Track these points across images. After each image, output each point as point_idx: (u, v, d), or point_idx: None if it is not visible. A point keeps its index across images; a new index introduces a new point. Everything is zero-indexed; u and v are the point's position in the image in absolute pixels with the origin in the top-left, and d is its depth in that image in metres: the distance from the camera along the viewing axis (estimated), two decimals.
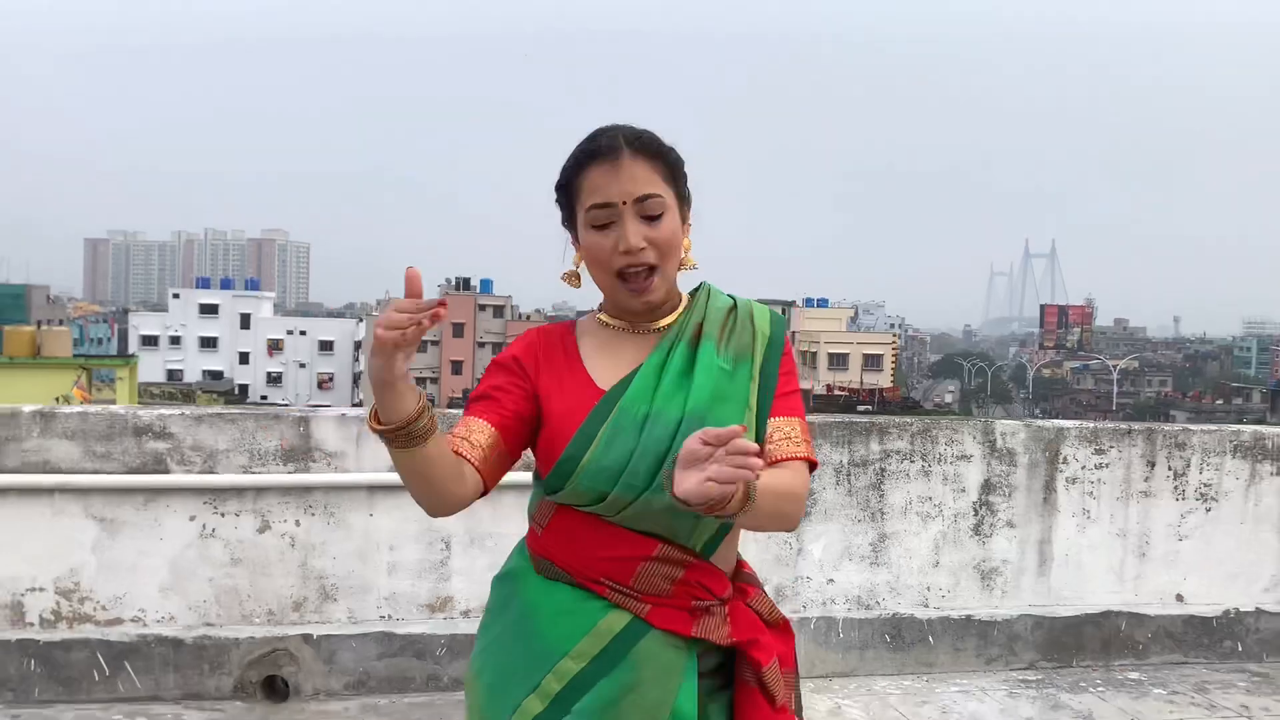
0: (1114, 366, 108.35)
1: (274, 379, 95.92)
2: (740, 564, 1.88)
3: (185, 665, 4.23)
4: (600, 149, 1.71)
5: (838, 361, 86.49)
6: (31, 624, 4.18)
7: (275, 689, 4.28)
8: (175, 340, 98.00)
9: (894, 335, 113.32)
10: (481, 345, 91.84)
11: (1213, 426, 5.30)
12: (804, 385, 2.12)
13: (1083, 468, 5.01)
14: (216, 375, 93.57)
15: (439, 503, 1.70)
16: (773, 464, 1.74)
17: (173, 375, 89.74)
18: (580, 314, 1.99)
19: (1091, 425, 5.10)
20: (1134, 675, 4.89)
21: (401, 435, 1.59)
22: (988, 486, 4.91)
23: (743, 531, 1.87)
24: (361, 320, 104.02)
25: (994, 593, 4.94)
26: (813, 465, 1.82)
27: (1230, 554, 5.15)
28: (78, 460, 4.19)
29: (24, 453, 4.16)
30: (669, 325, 1.81)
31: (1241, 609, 5.15)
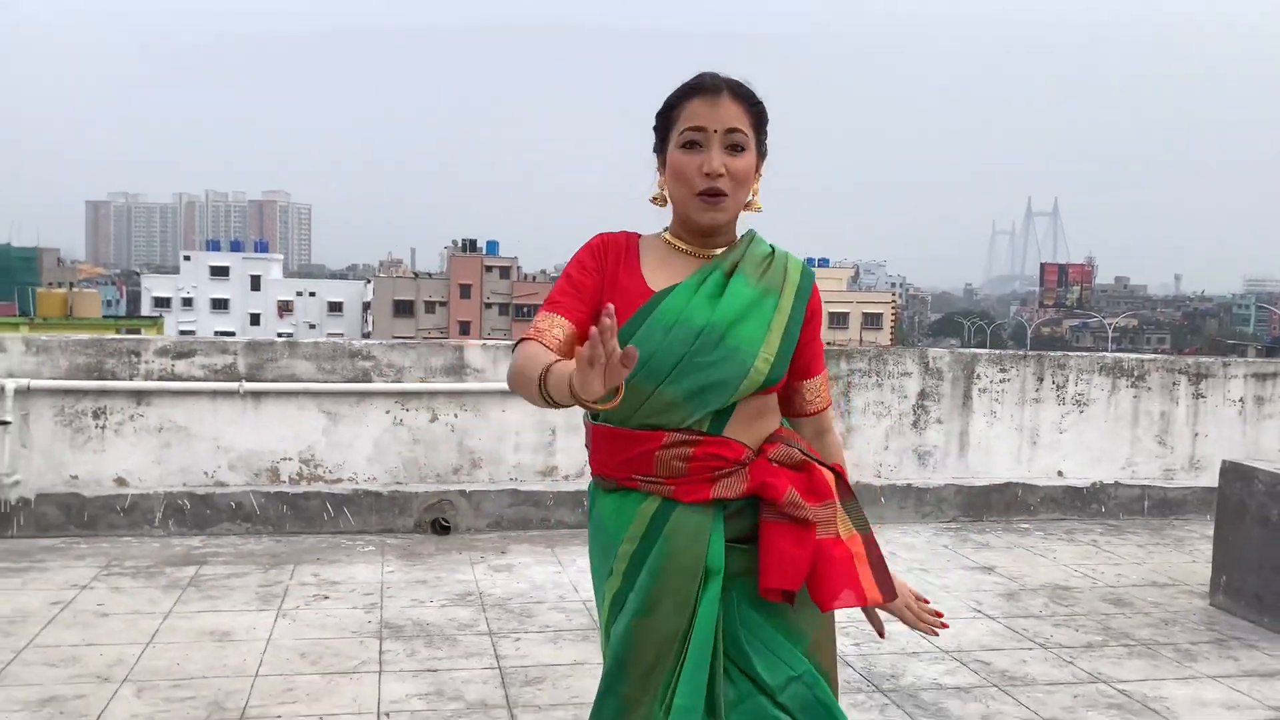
0: (1110, 324, 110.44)
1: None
2: (779, 431, 2.08)
3: (383, 510, 6.38)
4: (704, 85, 1.95)
5: (838, 320, 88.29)
6: (283, 482, 6.33)
7: (440, 527, 6.43)
8: (187, 302, 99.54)
9: (894, 294, 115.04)
10: (489, 306, 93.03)
11: (1086, 353, 7.42)
12: None
13: (991, 382, 7.14)
14: (228, 336, 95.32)
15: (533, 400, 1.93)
16: (812, 415, 2.15)
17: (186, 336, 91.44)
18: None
19: (998, 352, 7.23)
20: (1025, 526, 7.04)
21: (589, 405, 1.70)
22: (923, 394, 7.05)
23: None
24: (369, 282, 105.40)
25: (927, 468, 7.08)
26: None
27: (1096, 443, 7.30)
28: (313, 373, 6.32)
29: (278, 368, 6.29)
30: (719, 254, 2.03)
31: (1104, 481, 7.30)
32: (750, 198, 2.02)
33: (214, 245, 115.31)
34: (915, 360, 7.07)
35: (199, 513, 6.16)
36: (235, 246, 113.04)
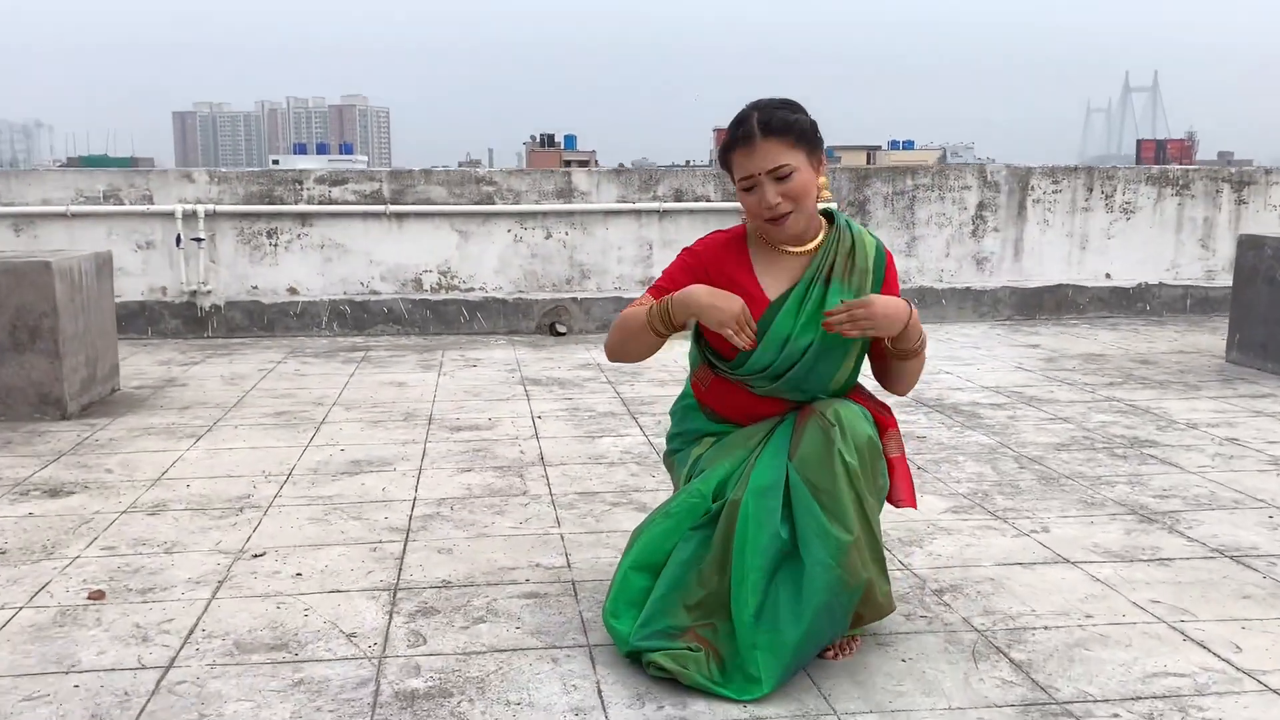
0: None
1: None
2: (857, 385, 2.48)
3: (509, 314, 7.48)
4: (738, 138, 2.25)
5: None
6: (426, 290, 7.45)
7: (556, 331, 7.51)
8: None
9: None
10: None
11: (1132, 165, 8.09)
12: None
13: (1044, 193, 7.89)
14: None
15: (625, 358, 2.41)
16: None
17: None
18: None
19: (1050, 165, 7.95)
20: (1074, 321, 7.87)
21: (662, 311, 2.26)
22: (981, 205, 7.84)
23: None
24: None
25: (984, 273, 7.92)
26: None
27: (1142, 247, 8.02)
28: (445, 198, 7.38)
29: (416, 193, 7.36)
30: (813, 250, 2.35)
31: (1149, 282, 8.04)
32: (819, 194, 2.31)
33: (300, 149, 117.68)
34: (974, 174, 7.84)
35: (358, 316, 7.34)
36: (321, 149, 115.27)
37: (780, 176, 2.23)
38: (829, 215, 2.42)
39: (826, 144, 2.43)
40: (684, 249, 2.43)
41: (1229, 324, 6.18)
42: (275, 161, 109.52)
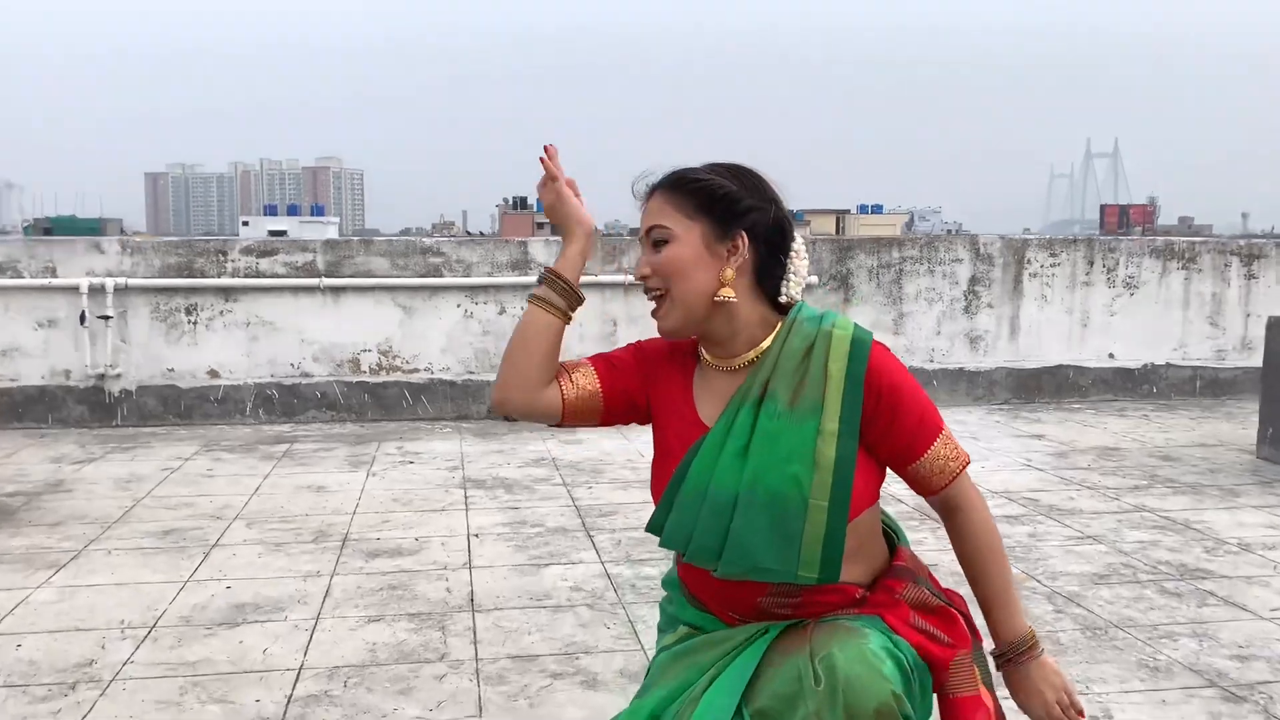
0: None
1: None
2: (899, 558, 1.74)
3: (457, 397, 6.73)
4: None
5: None
6: (364, 371, 6.70)
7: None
8: None
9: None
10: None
11: (1135, 237, 7.50)
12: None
13: (1042, 266, 7.28)
14: None
15: (516, 378, 1.76)
16: (937, 491, 1.68)
17: None
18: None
19: (1048, 237, 7.36)
20: (1076, 405, 7.21)
21: (548, 281, 1.74)
22: (974, 280, 7.21)
23: None
24: None
25: (979, 352, 7.27)
26: (965, 462, 1.69)
27: (1147, 325, 7.41)
28: (387, 269, 6.66)
29: (355, 265, 6.64)
30: (751, 361, 1.70)
31: (1155, 362, 7.42)
32: (721, 285, 1.65)
33: (271, 210, 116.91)
34: (966, 246, 7.23)
35: (287, 401, 6.57)
36: (292, 211, 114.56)
37: (655, 240, 1.69)
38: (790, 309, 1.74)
39: (795, 207, 1.84)
40: (633, 343, 1.86)
41: (1259, 416, 5.53)
42: (245, 223, 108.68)
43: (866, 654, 1.47)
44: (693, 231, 1.65)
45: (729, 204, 1.66)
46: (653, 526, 1.70)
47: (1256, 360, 7.29)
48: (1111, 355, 7.41)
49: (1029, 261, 7.27)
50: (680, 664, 1.68)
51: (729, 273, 1.65)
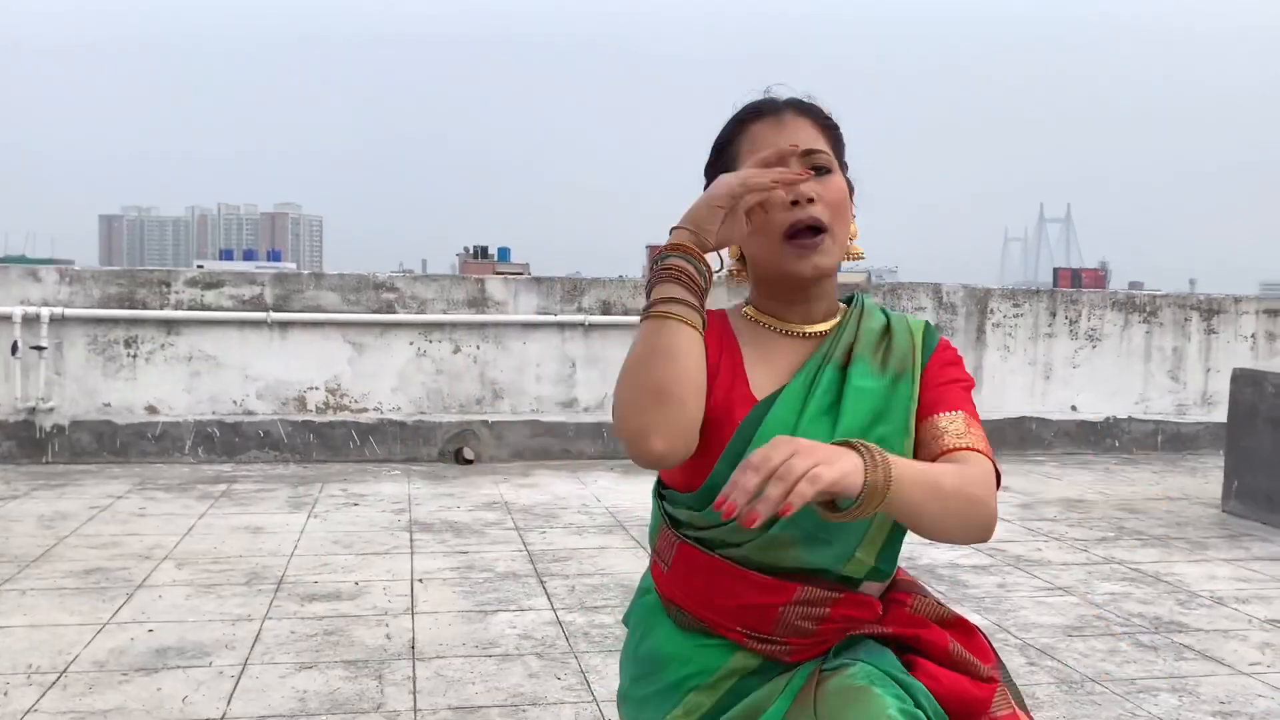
0: None
1: None
2: (899, 574, 1.56)
3: (407, 439, 6.50)
4: (763, 108, 1.53)
5: None
6: (310, 410, 6.45)
7: (463, 459, 6.55)
8: None
9: None
10: None
11: (1097, 290, 7.50)
12: None
13: (1004, 316, 7.23)
14: None
15: (682, 420, 1.35)
16: (946, 452, 1.42)
17: None
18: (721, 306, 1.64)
19: (1011, 288, 7.31)
20: (1039, 458, 7.13)
21: (685, 284, 1.37)
22: (937, 329, 7.13)
23: None
24: None
25: None
26: (993, 466, 1.43)
27: (1110, 378, 7.37)
28: (338, 304, 6.45)
29: (304, 300, 6.42)
30: (824, 333, 1.53)
31: (1118, 415, 7.37)
32: (851, 239, 1.52)
33: (227, 255, 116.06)
34: (929, 295, 7.17)
35: (228, 440, 6.30)
36: (249, 256, 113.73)
37: (817, 165, 1.44)
38: (848, 300, 1.58)
39: None
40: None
41: (1224, 470, 5.46)
42: (199, 266, 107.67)
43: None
44: (837, 168, 1.50)
45: (843, 147, 1.54)
46: (706, 488, 1.42)
47: (1217, 415, 7.27)
48: (1074, 408, 7.35)
49: (992, 311, 7.22)
50: None
51: (855, 230, 1.52)
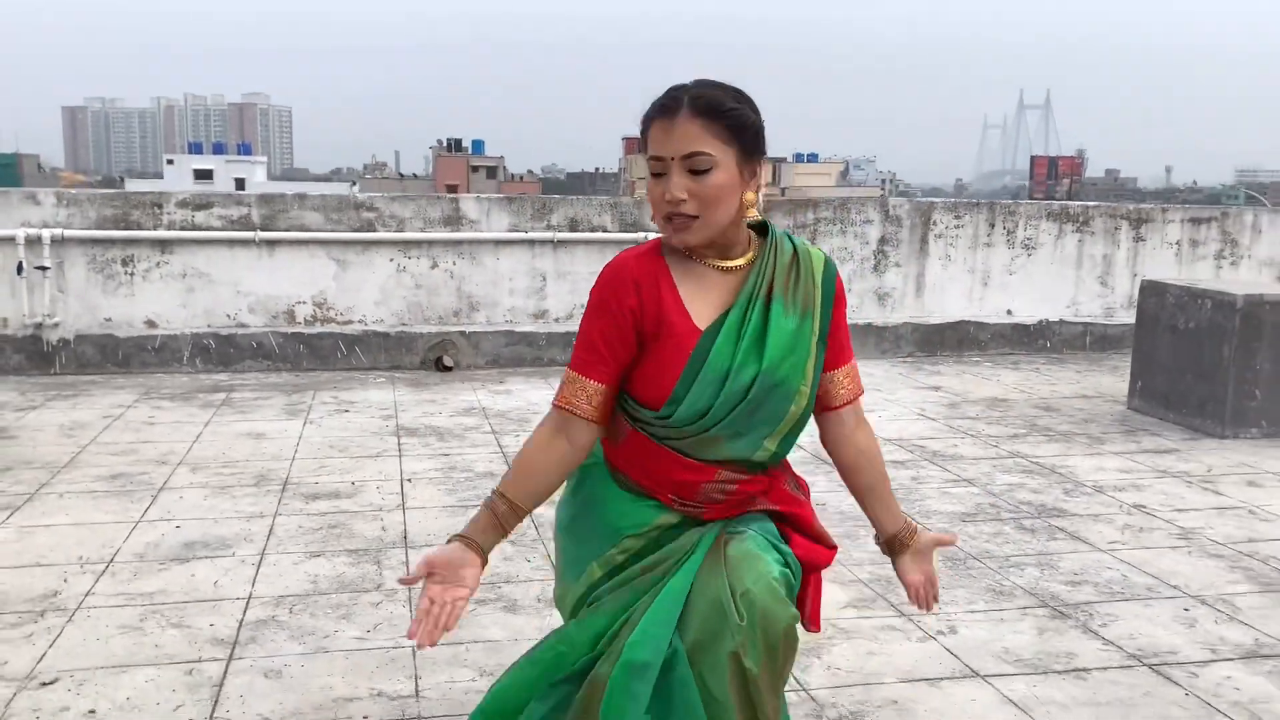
0: None
1: None
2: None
3: (390, 348, 7.01)
4: (661, 107, 1.81)
5: None
6: (299, 322, 6.93)
7: (442, 366, 7.06)
8: None
9: (884, 190, 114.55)
10: None
11: (1034, 201, 8.00)
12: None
13: (946, 228, 7.73)
14: None
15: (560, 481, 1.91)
16: (836, 409, 1.99)
17: None
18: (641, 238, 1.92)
19: (953, 200, 7.80)
20: (976, 359, 7.72)
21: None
22: (883, 240, 7.65)
23: None
24: (354, 184, 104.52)
25: (886, 308, 7.72)
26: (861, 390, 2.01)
27: (1043, 284, 7.93)
28: (321, 224, 6.87)
29: (289, 219, 6.84)
30: (744, 266, 1.89)
31: (1049, 319, 7.95)
32: (746, 207, 1.84)
33: (196, 148, 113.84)
34: (876, 208, 7.65)
35: (223, 351, 6.79)
36: (218, 149, 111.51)
37: (695, 169, 1.77)
38: (762, 227, 1.94)
39: None
40: (593, 291, 1.89)
41: (1130, 372, 6.06)
42: (170, 161, 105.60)
43: (772, 584, 1.79)
44: (729, 156, 1.78)
45: (755, 134, 1.82)
46: (669, 405, 1.84)
47: None
48: (1009, 312, 7.92)
49: (934, 223, 7.72)
50: (623, 588, 1.92)
51: (751, 195, 1.83)
